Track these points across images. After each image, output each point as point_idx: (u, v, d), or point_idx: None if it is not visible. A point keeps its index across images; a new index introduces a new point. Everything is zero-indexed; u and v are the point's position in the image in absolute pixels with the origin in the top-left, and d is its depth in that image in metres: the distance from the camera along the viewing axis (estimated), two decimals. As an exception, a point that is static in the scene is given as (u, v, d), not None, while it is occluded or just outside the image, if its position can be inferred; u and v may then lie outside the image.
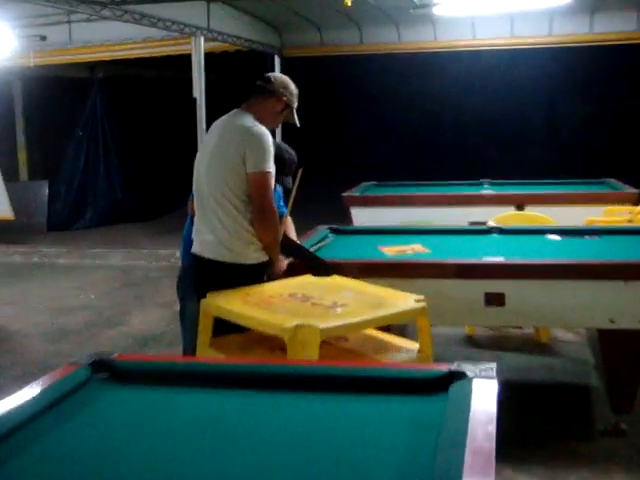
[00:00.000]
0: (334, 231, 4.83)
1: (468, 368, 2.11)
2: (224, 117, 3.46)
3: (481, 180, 7.20)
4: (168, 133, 12.36)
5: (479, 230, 4.79)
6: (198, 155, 3.50)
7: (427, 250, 4.22)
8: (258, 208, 3.30)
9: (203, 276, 3.44)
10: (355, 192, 6.68)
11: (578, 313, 3.71)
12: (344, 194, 6.42)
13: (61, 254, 9.36)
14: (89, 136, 11.20)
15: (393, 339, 3.16)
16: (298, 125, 3.54)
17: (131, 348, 5.44)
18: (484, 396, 1.93)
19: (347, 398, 2.09)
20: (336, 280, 3.42)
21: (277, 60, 8.45)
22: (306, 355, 2.66)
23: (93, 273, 8.30)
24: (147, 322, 6.17)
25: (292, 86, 3.52)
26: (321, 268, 3.57)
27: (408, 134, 14.67)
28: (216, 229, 3.36)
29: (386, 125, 14.63)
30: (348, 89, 14.54)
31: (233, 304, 3.02)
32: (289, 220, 3.97)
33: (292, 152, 3.87)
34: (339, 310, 2.92)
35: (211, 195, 3.37)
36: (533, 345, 5.13)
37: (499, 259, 3.80)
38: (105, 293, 7.32)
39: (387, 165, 12.05)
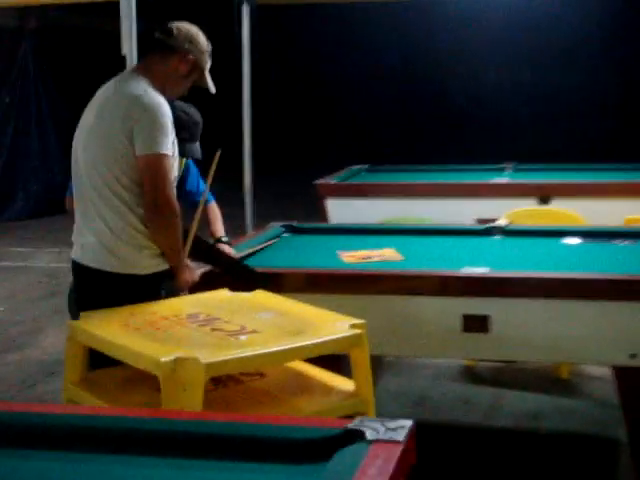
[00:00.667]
0: (291, 229, 4.69)
1: (371, 426, 1.95)
2: (110, 81, 3.31)
3: (503, 164, 7.03)
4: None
5: (476, 231, 4.63)
6: (76, 133, 3.35)
7: (399, 257, 4.06)
8: (151, 202, 3.15)
9: (84, 289, 3.32)
10: (335, 178, 6.51)
11: (586, 345, 3.51)
12: (318, 181, 6.25)
13: (-26, 253, 9.30)
14: (19, 102, 11.15)
15: (325, 376, 3.00)
16: (213, 91, 3.39)
17: (31, 378, 5.31)
18: (374, 469, 1.77)
19: (204, 465, 1.94)
20: (258, 297, 3.27)
21: (245, 9, 8.25)
22: (186, 399, 2.50)
23: (11, 278, 8.21)
24: (62, 344, 6.01)
25: (202, 39, 3.36)
26: (243, 279, 3.42)
27: (412, 103, 14.40)
28: (98, 229, 3.23)
29: (384, 96, 14.41)
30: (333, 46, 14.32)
31: (107, 328, 2.87)
32: (212, 208, 3.86)
33: (193, 110, 3.75)
34: (243, 338, 2.76)
35: (90, 185, 3.24)
36: (549, 382, 4.97)
37: (483, 270, 3.62)
38: (19, 304, 7.23)
39: (380, 144, 11.90)
